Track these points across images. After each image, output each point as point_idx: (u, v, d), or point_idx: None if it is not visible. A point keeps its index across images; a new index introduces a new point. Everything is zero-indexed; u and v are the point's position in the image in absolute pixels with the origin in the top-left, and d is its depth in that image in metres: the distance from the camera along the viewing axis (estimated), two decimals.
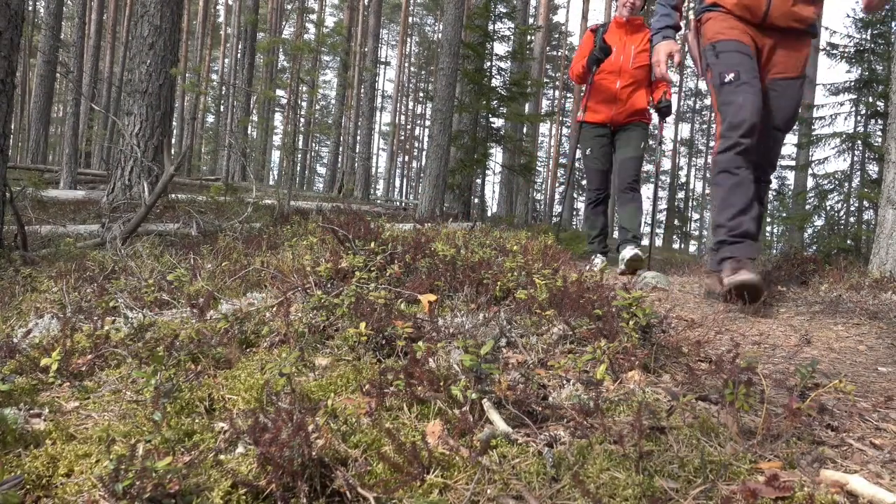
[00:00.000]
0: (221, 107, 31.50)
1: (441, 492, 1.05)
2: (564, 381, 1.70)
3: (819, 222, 15.56)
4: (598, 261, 5.45)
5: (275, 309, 2.29)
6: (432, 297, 2.28)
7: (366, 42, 28.08)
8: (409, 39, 46.84)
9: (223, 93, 28.94)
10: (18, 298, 2.67)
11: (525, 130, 22.23)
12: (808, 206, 15.84)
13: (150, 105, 8.16)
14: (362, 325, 1.87)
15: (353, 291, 2.20)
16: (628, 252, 5.13)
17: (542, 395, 1.61)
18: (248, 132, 28.21)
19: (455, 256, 3.05)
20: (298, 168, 38.40)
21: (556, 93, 46.47)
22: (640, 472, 1.10)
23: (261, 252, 3.82)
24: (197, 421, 1.32)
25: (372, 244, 3.06)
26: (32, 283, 2.93)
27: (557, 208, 40.46)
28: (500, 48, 19.62)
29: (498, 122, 15.00)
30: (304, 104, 41.62)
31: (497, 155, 26.14)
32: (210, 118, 42.91)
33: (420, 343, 1.71)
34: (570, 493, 1.05)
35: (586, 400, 1.41)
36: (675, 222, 36.91)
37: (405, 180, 55.91)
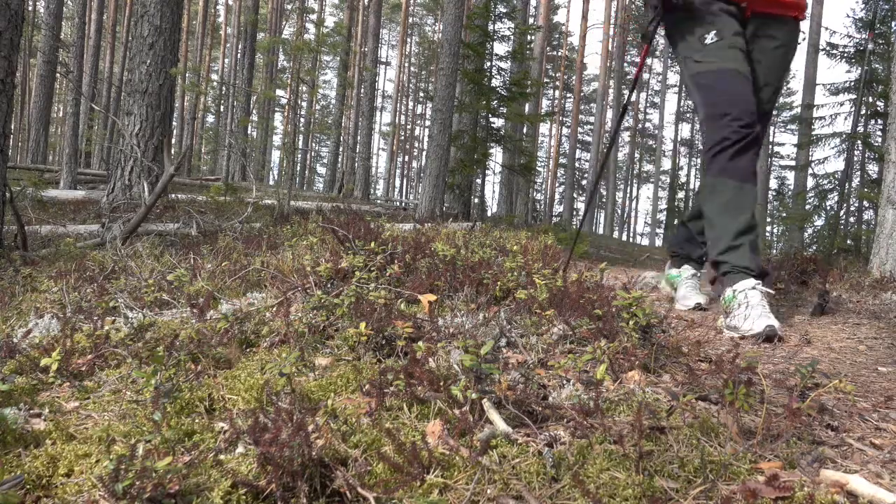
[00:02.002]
0: (221, 107, 31.53)
1: (441, 492, 1.05)
2: (564, 381, 1.70)
3: (819, 222, 15.58)
4: (754, 296, 2.62)
5: (275, 309, 2.29)
6: (432, 297, 2.28)
7: (366, 42, 28.10)
8: (409, 39, 46.86)
9: (223, 93, 28.94)
10: (18, 298, 2.66)
11: (525, 130, 22.23)
12: (808, 206, 15.86)
13: (150, 105, 8.16)
14: (362, 325, 1.87)
15: (353, 291, 2.20)
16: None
17: (542, 395, 1.61)
18: (248, 132, 28.22)
19: (455, 256, 3.05)
20: (298, 168, 38.40)
21: (556, 93, 46.50)
22: (640, 472, 1.10)
23: (261, 252, 3.83)
24: (197, 421, 1.32)
25: (372, 244, 3.06)
26: (32, 283, 2.93)
27: (558, 208, 40.52)
28: (500, 48, 19.64)
29: (498, 122, 15.01)
30: (304, 104, 41.68)
31: (497, 155, 26.16)
32: (210, 118, 42.90)
33: (420, 343, 1.71)
34: (570, 493, 1.05)
35: (586, 400, 1.41)
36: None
37: (405, 180, 55.94)
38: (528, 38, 20.24)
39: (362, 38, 30.72)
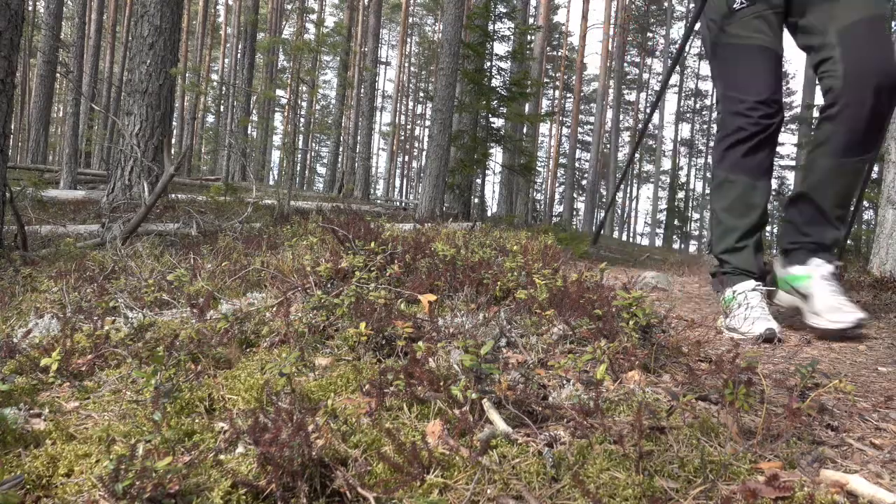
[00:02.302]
0: (221, 107, 31.56)
1: (441, 492, 1.04)
2: (564, 381, 1.70)
3: None
4: (754, 297, 2.60)
5: (275, 309, 2.29)
6: (432, 297, 2.28)
7: (366, 42, 28.13)
8: (409, 39, 46.91)
9: (223, 93, 28.96)
10: (18, 298, 2.66)
11: (525, 130, 22.25)
12: None
13: (150, 105, 8.16)
14: (362, 325, 1.87)
15: (353, 291, 2.20)
16: (828, 296, 2.50)
17: (543, 395, 1.61)
18: (248, 132, 28.24)
19: (455, 256, 3.05)
20: (298, 168, 38.42)
21: (556, 93, 46.54)
22: (640, 472, 1.10)
23: (261, 252, 3.83)
24: (197, 421, 1.32)
25: (372, 244, 3.06)
26: (32, 282, 2.93)
27: (558, 208, 40.58)
28: (500, 48, 19.68)
29: (498, 122, 15.02)
30: (304, 104, 41.74)
31: (497, 155, 26.19)
32: (210, 118, 42.93)
33: (420, 343, 1.71)
34: (569, 493, 1.05)
35: (586, 400, 1.40)
36: (675, 222, 36.93)
37: (405, 180, 55.99)
38: (528, 38, 20.26)
39: (362, 38, 30.76)
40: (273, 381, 1.52)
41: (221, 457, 1.14)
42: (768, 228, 34.61)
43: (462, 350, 1.50)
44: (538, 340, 2.05)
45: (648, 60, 47.64)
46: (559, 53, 45.02)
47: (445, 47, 11.13)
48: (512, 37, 17.04)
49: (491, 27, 14.32)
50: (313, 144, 50.24)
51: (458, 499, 1.03)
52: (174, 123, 31.05)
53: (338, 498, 1.04)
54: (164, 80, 8.27)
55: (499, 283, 2.72)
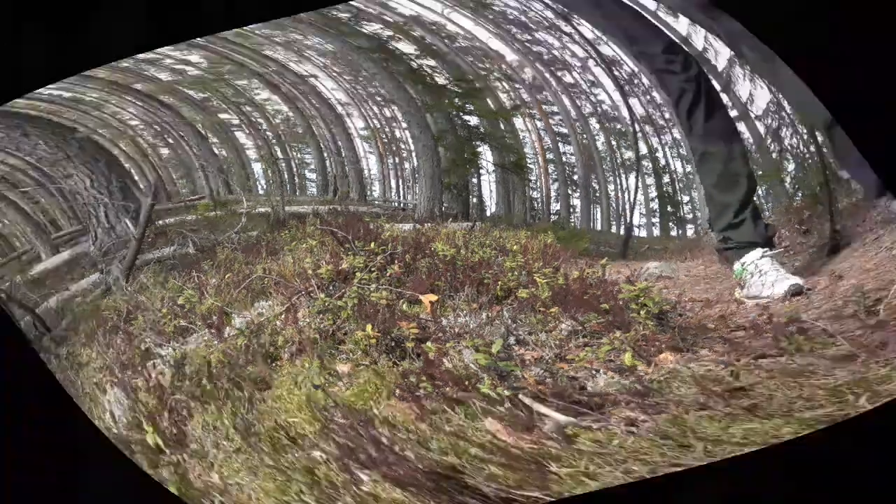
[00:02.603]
0: (169, 139, 31.17)
1: (587, 478, 1.01)
2: (594, 372, 1.67)
3: (791, 167, 15.61)
4: (765, 263, 2.46)
5: (283, 316, 2.28)
6: (433, 297, 2.27)
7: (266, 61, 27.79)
8: (308, 53, 46.50)
9: (160, 130, 28.61)
10: (78, 384, 2.64)
11: (503, 127, 22.30)
12: (773, 155, 15.87)
13: (85, 162, 7.99)
14: (368, 327, 1.86)
15: (355, 293, 2.18)
16: None
17: (580, 386, 1.59)
18: (216, 152, 28.06)
19: (455, 256, 3.05)
20: (286, 176, 38.35)
21: (504, 84, 46.41)
22: (767, 418, 1.04)
23: (261, 259, 3.83)
24: (297, 455, 1.32)
25: (372, 245, 3.06)
26: (77, 359, 2.91)
27: (555, 206, 40.56)
28: (409, 48, 19.56)
29: (473, 120, 15.00)
30: (261, 120, 41.56)
31: (487, 153, 26.25)
32: (164, 150, 42.53)
33: (430, 344, 1.69)
34: (726, 448, 0.98)
35: (631, 384, 1.39)
36: (668, 208, 37.02)
37: (400, 181, 55.99)
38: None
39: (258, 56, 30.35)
40: (311, 394, 1.51)
41: (363, 488, 1.12)
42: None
43: (473, 349, 1.48)
44: (548, 337, 2.03)
45: (541, 34, 47.42)
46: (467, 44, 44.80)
47: (355, 55, 11.19)
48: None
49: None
50: (295, 154, 50.16)
51: (612, 480, 0.98)
52: (126, 165, 30.79)
53: None
54: (78, 136, 8.10)
55: (499, 282, 2.71)
